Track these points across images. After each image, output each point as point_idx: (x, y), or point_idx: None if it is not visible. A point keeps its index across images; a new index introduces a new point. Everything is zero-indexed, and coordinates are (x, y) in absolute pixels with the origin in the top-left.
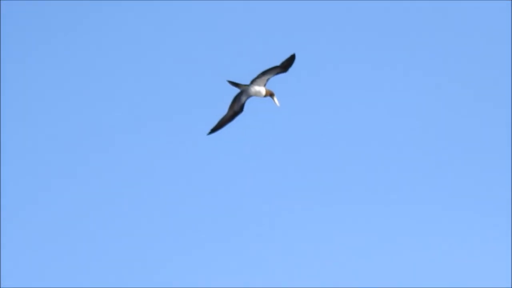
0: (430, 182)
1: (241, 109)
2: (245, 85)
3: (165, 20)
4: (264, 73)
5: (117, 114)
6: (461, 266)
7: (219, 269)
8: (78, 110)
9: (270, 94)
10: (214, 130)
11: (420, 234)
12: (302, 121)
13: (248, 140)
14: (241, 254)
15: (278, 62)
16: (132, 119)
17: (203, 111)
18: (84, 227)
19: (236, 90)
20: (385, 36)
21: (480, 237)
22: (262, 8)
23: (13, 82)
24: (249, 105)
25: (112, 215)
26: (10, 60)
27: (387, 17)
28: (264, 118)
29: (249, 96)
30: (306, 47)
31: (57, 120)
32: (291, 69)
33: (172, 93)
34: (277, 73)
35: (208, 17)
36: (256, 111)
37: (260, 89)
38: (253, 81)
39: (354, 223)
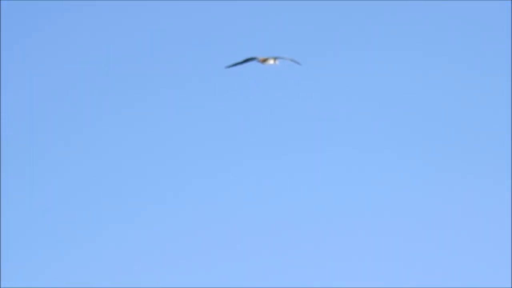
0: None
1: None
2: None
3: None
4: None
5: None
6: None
7: (218, 269)
8: (78, 110)
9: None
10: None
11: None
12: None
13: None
14: (241, 254)
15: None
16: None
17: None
18: (83, 227)
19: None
20: (385, 36)
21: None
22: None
23: (13, 82)
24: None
25: (112, 215)
26: (10, 60)
27: (387, 17)
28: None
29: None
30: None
31: (56, 120)
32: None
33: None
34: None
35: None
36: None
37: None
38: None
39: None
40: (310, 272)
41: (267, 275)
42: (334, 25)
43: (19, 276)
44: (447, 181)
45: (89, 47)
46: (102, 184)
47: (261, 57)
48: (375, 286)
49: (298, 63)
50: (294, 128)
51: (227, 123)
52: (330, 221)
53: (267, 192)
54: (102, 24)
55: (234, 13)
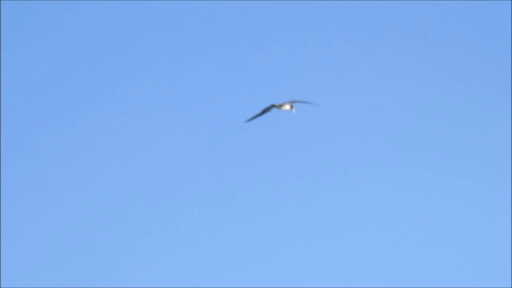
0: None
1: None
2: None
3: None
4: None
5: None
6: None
7: (218, 269)
8: (77, 110)
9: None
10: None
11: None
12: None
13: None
14: (241, 254)
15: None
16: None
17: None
18: (83, 227)
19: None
20: (384, 36)
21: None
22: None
23: (13, 82)
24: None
25: (112, 215)
26: (10, 60)
27: (386, 16)
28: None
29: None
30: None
31: (56, 120)
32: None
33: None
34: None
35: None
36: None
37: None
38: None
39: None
40: (310, 272)
41: (267, 275)
42: (334, 25)
43: (19, 276)
44: (447, 182)
45: (89, 47)
46: (102, 183)
47: (277, 103)
48: (375, 286)
49: (316, 104)
50: (294, 128)
51: (226, 125)
52: (330, 220)
53: (267, 191)
54: (102, 23)
55: (235, 14)
